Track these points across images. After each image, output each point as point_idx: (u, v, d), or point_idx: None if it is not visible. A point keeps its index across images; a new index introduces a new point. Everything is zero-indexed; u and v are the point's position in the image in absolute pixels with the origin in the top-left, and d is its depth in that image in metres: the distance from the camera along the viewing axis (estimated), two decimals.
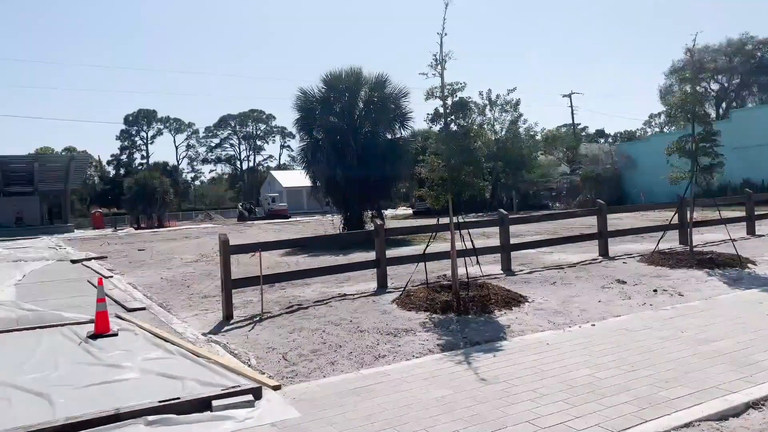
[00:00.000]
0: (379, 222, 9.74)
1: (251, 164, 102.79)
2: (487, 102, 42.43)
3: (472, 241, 8.44)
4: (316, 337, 6.59)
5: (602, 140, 78.98)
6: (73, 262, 17.37)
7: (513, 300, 7.90)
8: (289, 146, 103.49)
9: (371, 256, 12.20)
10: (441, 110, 7.94)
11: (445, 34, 7.59)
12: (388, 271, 9.69)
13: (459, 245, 8.25)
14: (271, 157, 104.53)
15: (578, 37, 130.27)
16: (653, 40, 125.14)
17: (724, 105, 55.30)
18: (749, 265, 10.28)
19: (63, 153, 72.78)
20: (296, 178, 68.15)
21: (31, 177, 50.42)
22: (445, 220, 8.34)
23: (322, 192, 21.68)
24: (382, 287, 9.35)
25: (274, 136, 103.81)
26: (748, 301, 7.74)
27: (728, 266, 10.09)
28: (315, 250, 16.40)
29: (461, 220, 8.37)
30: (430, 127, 32.58)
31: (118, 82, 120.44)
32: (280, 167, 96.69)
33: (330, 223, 29.09)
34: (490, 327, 6.79)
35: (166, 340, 6.51)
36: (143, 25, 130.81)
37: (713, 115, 47.89)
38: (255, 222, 47.72)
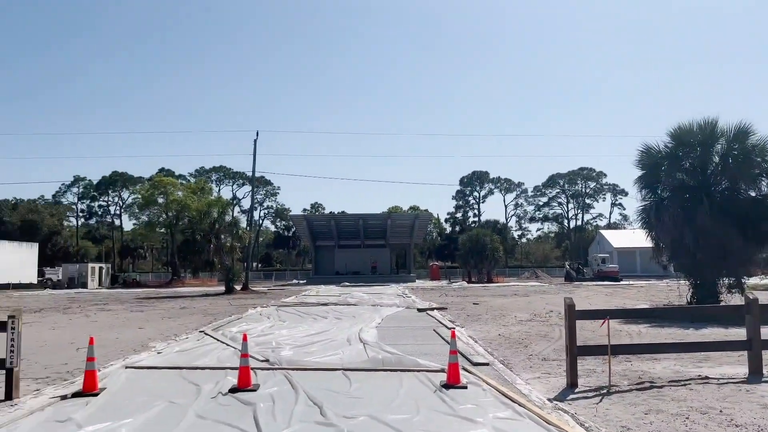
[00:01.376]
0: (751, 296, 8.29)
1: (579, 223, 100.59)
2: None
3: None
4: (679, 424, 5.82)
5: None
6: (419, 310, 19.19)
7: None
8: (620, 204, 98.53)
9: (732, 333, 10.50)
10: None
11: None
12: (764, 356, 8.12)
13: None
14: (600, 215, 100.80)
15: None
16: None
17: None
18: None
19: (409, 211, 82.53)
20: (628, 238, 64.05)
21: (384, 232, 58.35)
22: None
23: (666, 256, 19.71)
24: (755, 374, 7.86)
25: (604, 194, 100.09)
26: None
27: None
28: (660, 321, 14.87)
29: None
30: None
31: (454, 147, 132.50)
32: (610, 226, 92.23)
33: (670, 290, 26.24)
34: None
35: (513, 401, 6.56)
36: (477, 94, 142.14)
37: None
38: (583, 283, 46.10)
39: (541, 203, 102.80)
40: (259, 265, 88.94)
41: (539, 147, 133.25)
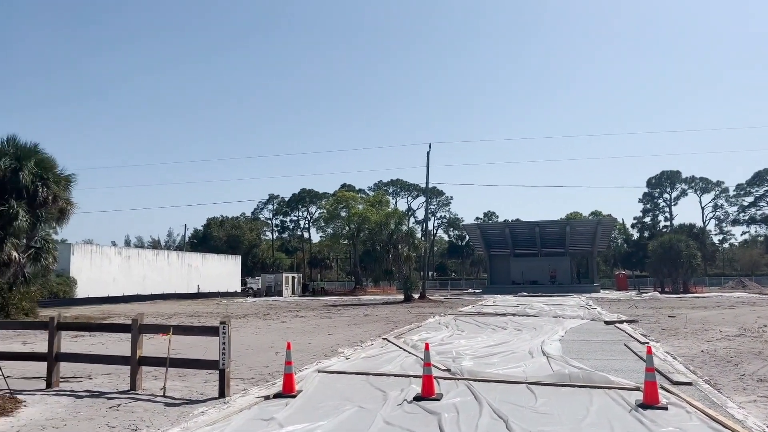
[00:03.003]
0: None
1: None
2: None
3: None
4: None
5: None
6: (606, 323, 18.01)
7: None
8: None
9: None
10: None
11: None
12: None
13: None
14: None
15: None
16: None
17: None
18: None
19: (590, 217, 78.16)
20: None
21: (562, 240, 55.92)
22: None
23: None
24: None
25: None
26: None
27: None
28: None
29: None
30: None
31: (639, 146, 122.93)
32: None
33: None
34: None
35: (725, 426, 5.83)
36: (658, 89, 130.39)
37: None
38: None
39: (746, 203, 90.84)
40: (435, 274, 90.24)
41: (739, 140, 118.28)
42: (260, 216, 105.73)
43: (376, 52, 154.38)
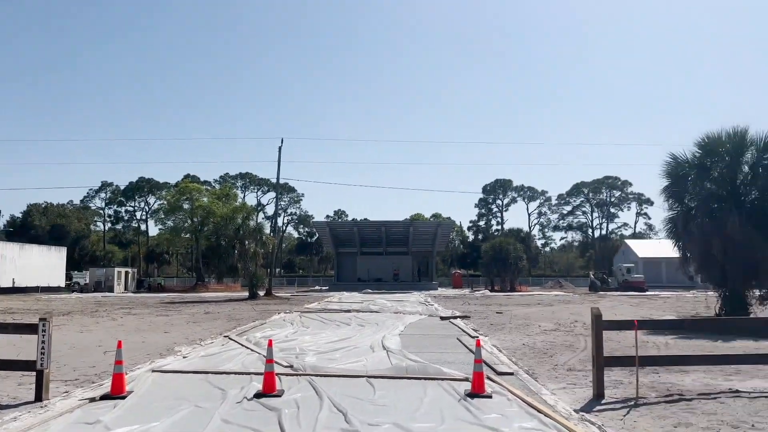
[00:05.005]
0: None
1: (603, 232, 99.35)
2: None
3: None
4: None
5: None
6: (442, 318, 19.12)
7: None
8: (645, 214, 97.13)
9: (762, 346, 10.30)
10: None
11: None
12: None
13: None
14: (625, 225, 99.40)
15: None
16: None
17: None
18: None
19: (431, 219, 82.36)
20: (654, 248, 63.11)
21: (406, 240, 58.37)
22: None
23: (693, 266, 19.37)
24: None
25: (629, 204, 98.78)
26: None
27: None
28: (687, 333, 14.61)
29: None
30: None
31: (479, 155, 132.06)
32: (635, 236, 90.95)
33: (697, 301, 25.82)
34: None
35: (539, 411, 6.50)
36: (501, 100, 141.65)
37: None
38: (608, 293, 45.50)
39: (565, 212, 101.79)
40: (282, 271, 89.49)
41: (563, 155, 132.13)
42: (91, 205, 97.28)
43: (234, 39, 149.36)
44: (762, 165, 17.69)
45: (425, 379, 8.37)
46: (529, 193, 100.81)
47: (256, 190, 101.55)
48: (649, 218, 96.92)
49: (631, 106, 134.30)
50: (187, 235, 63.16)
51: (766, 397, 7.41)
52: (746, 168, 18.20)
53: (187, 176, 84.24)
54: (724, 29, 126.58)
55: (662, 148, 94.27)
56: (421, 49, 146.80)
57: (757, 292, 17.89)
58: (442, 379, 8.29)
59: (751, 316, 16.67)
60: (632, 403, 7.19)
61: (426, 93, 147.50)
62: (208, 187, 75.59)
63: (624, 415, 6.62)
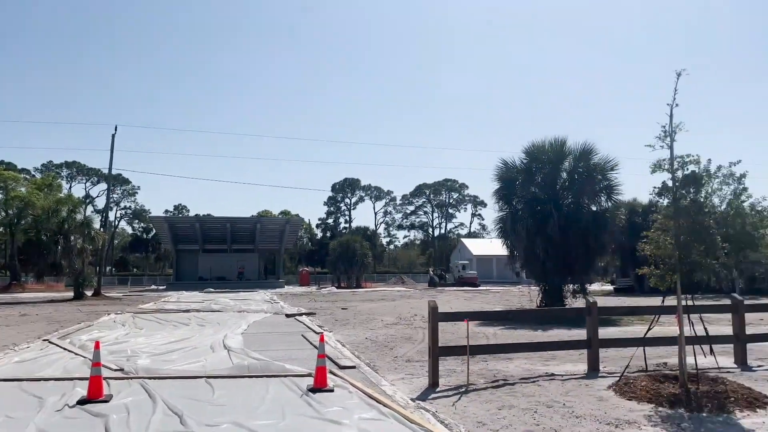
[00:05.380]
0: (591, 299, 9.19)
1: (442, 231, 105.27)
2: (704, 173, 38.58)
3: (705, 328, 7.54)
4: (528, 417, 6.29)
5: None
6: (287, 316, 18.98)
7: (757, 400, 6.81)
8: (480, 215, 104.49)
9: (574, 334, 11.53)
10: (669, 184, 7.39)
11: (676, 105, 7.16)
12: (599, 354, 9.02)
13: (685, 330, 7.42)
14: (462, 224, 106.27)
15: None
16: None
17: None
18: None
19: (280, 216, 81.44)
20: (486, 246, 68.08)
21: (252, 236, 57.01)
22: (670, 302, 7.59)
23: (519, 263, 21.27)
24: (593, 370, 8.71)
25: (465, 205, 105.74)
26: None
27: None
28: (513, 323, 15.97)
29: (691, 303, 7.55)
30: (659, 202, 30.43)
31: (328, 153, 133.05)
32: (471, 235, 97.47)
33: (522, 295, 28.31)
34: (732, 430, 5.90)
35: (378, 402, 6.70)
36: (352, 102, 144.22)
37: None
38: (445, 288, 48.22)
39: (408, 212, 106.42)
40: (114, 270, 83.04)
41: (409, 157, 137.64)
42: None
43: (64, 20, 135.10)
44: (577, 172, 19.91)
45: (268, 376, 8.25)
46: (376, 193, 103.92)
47: (84, 181, 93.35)
48: (483, 219, 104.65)
49: (469, 112, 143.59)
50: (0, 229, 56.10)
51: (576, 378, 8.32)
52: (564, 174, 20.37)
53: (1, 163, 74.82)
54: (551, 42, 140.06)
55: (496, 154, 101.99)
56: (273, 47, 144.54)
57: (571, 287, 20.08)
58: (285, 376, 8.23)
59: (567, 307, 18.66)
60: (463, 389, 7.69)
61: (275, 88, 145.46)
62: (27, 176, 67.80)
63: (455, 402, 7.07)
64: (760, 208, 39.78)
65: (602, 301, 23.73)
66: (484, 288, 47.29)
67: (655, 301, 8.08)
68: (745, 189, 38.45)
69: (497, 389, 7.71)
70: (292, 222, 60.99)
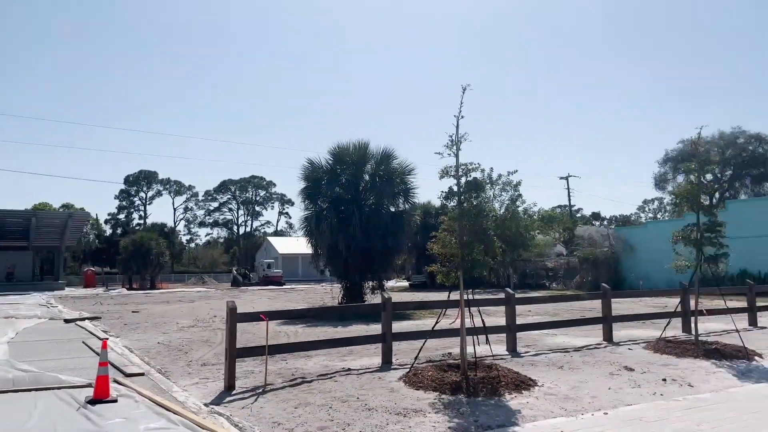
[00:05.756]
0: (386, 295, 9.67)
1: (248, 229, 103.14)
2: (488, 181, 43.13)
3: (482, 320, 8.36)
4: (323, 414, 6.40)
5: (597, 223, 79.69)
6: (67, 321, 17.05)
7: (522, 383, 7.74)
8: (287, 213, 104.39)
9: (372, 329, 12.07)
10: (455, 189, 8.07)
11: (462, 117, 7.84)
12: (393, 347, 9.54)
13: (466, 322, 8.17)
14: (268, 223, 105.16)
15: (577, 122, 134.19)
16: (648, 129, 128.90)
17: (717, 195, 56.33)
18: (756, 357, 10.17)
19: (61, 210, 72.92)
20: (293, 245, 68.32)
21: (26, 232, 50.26)
22: (455, 296, 8.29)
23: (323, 261, 21.65)
24: (387, 363, 9.17)
25: (272, 203, 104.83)
26: (762, 395, 7.61)
27: (735, 358, 9.97)
28: (315, 320, 16.19)
29: (472, 298, 8.33)
30: (447, 205, 33.02)
31: (120, 142, 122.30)
32: (277, 233, 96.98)
33: (325, 293, 28.90)
34: (502, 411, 6.61)
35: (168, 409, 6.31)
36: (147, 87, 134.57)
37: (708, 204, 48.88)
38: (249, 288, 47.31)
39: (211, 208, 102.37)
40: None
41: (213, 152, 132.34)
42: None
43: None
44: (378, 175, 20.87)
45: (38, 389, 7.31)
46: (176, 187, 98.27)
47: None
48: (290, 217, 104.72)
49: (278, 110, 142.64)
50: None
51: (370, 372, 8.68)
52: (367, 177, 21.23)
53: None
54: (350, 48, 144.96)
55: (305, 153, 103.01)
56: (61, 23, 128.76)
57: (371, 283, 20.97)
58: (60, 388, 7.37)
59: (364, 303, 19.43)
60: (261, 390, 7.58)
61: (61, 70, 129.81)
62: None
63: (252, 403, 6.93)
64: (531, 213, 45.58)
65: (398, 297, 25.25)
66: (290, 287, 47.37)
67: (443, 296, 8.74)
68: (520, 195, 43.71)
69: (295, 387, 7.73)
70: (75, 216, 54.86)
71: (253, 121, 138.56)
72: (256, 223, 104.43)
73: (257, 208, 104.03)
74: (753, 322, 14.68)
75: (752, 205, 34.99)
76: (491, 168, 44.23)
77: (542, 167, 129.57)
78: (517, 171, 50.99)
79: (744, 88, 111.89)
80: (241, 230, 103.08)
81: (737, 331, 11.63)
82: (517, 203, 43.55)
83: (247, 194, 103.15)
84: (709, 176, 55.91)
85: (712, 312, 13.08)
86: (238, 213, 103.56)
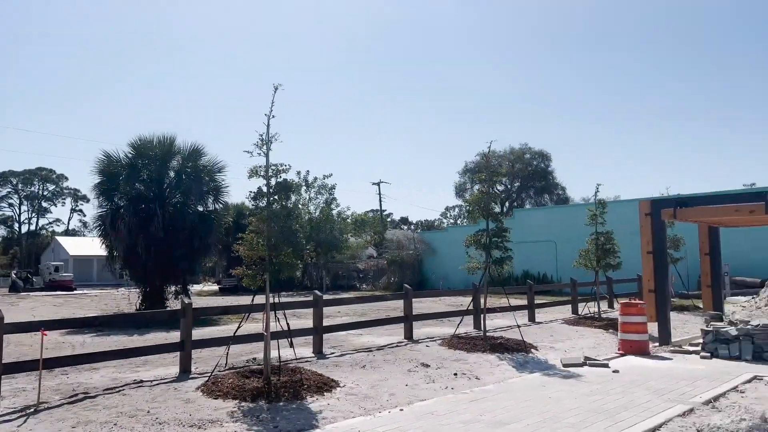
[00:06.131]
0: (186, 300, 9.10)
1: (33, 228, 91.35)
2: (303, 183, 43.28)
3: (287, 323, 8.25)
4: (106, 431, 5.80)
5: (405, 227, 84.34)
6: None
7: (325, 385, 7.78)
8: (81, 211, 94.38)
9: (173, 336, 11.34)
10: (264, 189, 7.87)
11: (273, 116, 7.69)
12: (193, 355, 9.01)
13: (273, 326, 8.01)
14: (58, 221, 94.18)
15: (391, 129, 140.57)
16: (453, 141, 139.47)
17: (507, 204, 62.98)
18: (532, 350, 11.43)
19: None
20: (87, 246, 61.89)
21: None
22: (260, 300, 8.08)
23: (120, 264, 19.89)
24: (185, 372, 8.62)
25: (64, 199, 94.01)
26: (534, 384, 8.54)
27: (516, 351, 11.10)
28: (108, 329, 14.78)
29: (278, 301, 8.18)
30: (256, 206, 32.28)
31: None
32: (69, 233, 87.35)
33: (123, 298, 26.58)
34: (303, 415, 6.57)
35: None
36: None
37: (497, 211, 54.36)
38: (31, 293, 41.94)
39: None
40: None
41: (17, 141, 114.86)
42: None
43: None
44: (185, 172, 19.72)
45: None
46: None
47: None
48: (85, 215, 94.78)
49: (66, 93, 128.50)
50: None
51: (165, 383, 8.08)
52: (173, 173, 19.95)
53: None
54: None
55: (101, 144, 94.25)
56: None
57: (173, 288, 19.72)
58: None
59: (163, 309, 18.25)
60: (32, 410, 6.64)
61: None
62: None
63: (19, 426, 6.05)
64: (345, 216, 46.71)
65: (204, 301, 24.21)
66: (81, 292, 42.91)
67: (250, 299, 8.47)
68: (334, 198, 44.56)
69: (75, 404, 6.90)
70: None
71: (43, 107, 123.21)
72: (42, 221, 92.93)
73: (45, 204, 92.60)
74: (532, 318, 16.49)
75: (534, 214, 39.78)
76: (307, 171, 44.51)
77: (357, 172, 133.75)
78: (332, 175, 51.58)
79: (531, 106, 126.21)
80: (24, 228, 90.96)
81: (518, 326, 12.99)
82: (332, 206, 44.35)
83: (33, 188, 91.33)
84: (500, 187, 62.56)
85: (494, 310, 14.45)
86: (20, 209, 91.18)
